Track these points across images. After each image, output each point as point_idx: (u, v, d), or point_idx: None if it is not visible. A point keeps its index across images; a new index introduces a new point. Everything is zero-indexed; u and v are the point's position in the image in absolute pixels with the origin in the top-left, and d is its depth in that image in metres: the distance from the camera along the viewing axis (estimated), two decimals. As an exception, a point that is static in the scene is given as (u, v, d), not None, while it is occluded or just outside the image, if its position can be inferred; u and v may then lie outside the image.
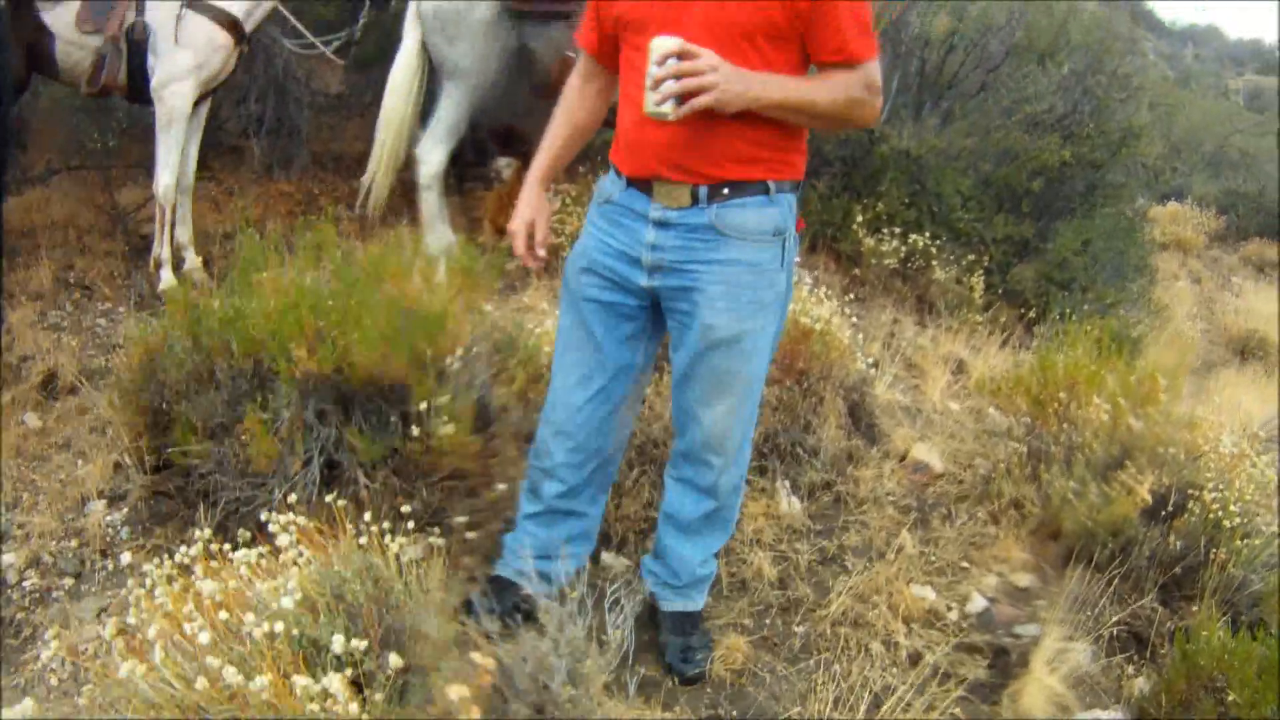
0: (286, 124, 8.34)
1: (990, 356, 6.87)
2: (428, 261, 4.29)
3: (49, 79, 6.53)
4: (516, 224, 3.23)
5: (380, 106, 6.51)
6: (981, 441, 5.41)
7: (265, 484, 3.77)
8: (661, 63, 2.63)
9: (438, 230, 6.42)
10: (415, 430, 3.74)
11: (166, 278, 6.24)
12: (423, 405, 3.75)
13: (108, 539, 4.15)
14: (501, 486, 3.89)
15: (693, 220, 2.94)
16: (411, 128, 6.47)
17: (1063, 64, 9.70)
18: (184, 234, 6.38)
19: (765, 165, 2.94)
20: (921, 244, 7.61)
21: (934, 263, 7.65)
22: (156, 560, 3.00)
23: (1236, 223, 18.28)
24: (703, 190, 2.91)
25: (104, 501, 4.32)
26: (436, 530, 3.72)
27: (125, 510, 4.25)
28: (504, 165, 7.05)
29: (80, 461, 4.62)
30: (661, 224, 2.98)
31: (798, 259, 7.18)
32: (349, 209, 7.35)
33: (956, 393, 6.14)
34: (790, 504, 4.49)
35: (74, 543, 4.16)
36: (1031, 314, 8.04)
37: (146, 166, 7.97)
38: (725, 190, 2.91)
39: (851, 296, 7.28)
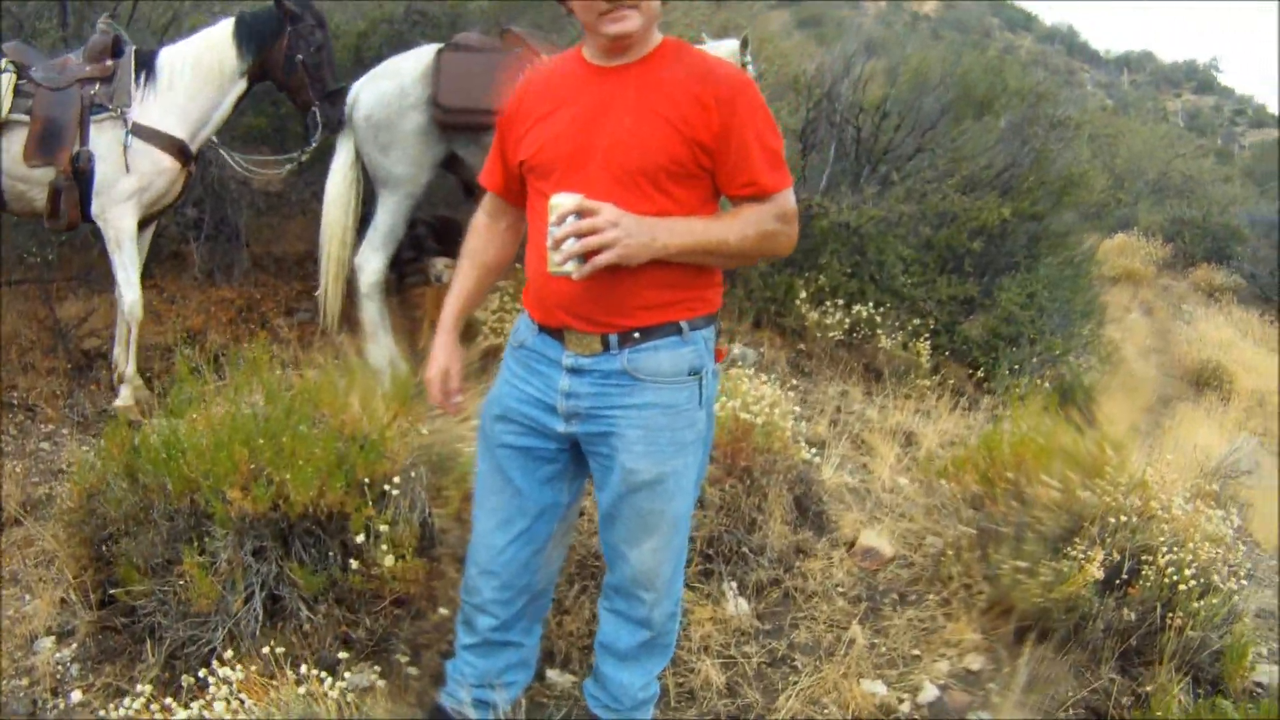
0: (226, 228, 8.33)
1: (941, 422, 6.89)
2: (364, 386, 4.28)
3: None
4: (432, 372, 3.22)
5: (320, 208, 6.56)
6: (933, 518, 5.41)
7: (208, 622, 3.76)
8: (560, 222, 2.61)
9: (380, 340, 6.43)
10: (355, 563, 3.76)
11: (124, 394, 6.28)
12: (361, 535, 3.76)
13: (58, 677, 4.09)
14: (444, 611, 3.91)
15: (605, 366, 2.91)
16: (353, 236, 6.53)
17: (1000, 115, 9.79)
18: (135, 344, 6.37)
19: (677, 307, 2.91)
20: (865, 313, 7.66)
21: (879, 331, 7.69)
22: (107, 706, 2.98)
23: (1184, 249, 18.51)
24: (613, 338, 2.88)
25: (52, 638, 4.25)
26: (378, 665, 3.75)
27: (74, 647, 4.19)
28: (442, 266, 7.05)
29: (28, 596, 4.56)
30: (575, 371, 2.95)
31: (741, 345, 7.26)
32: (289, 315, 7.34)
33: (907, 465, 6.15)
34: (737, 605, 4.48)
35: (24, 681, 4.10)
36: (980, 373, 8.08)
37: (87, 280, 8.00)
38: (636, 335, 2.88)
39: (798, 372, 7.32)
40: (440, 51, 6.33)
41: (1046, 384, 8.07)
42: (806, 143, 9.03)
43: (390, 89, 6.32)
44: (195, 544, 3.75)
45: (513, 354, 3.15)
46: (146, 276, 6.78)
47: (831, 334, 7.58)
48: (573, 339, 2.94)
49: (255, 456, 3.76)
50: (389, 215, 6.37)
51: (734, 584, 4.58)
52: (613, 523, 3.11)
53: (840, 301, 7.76)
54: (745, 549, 4.66)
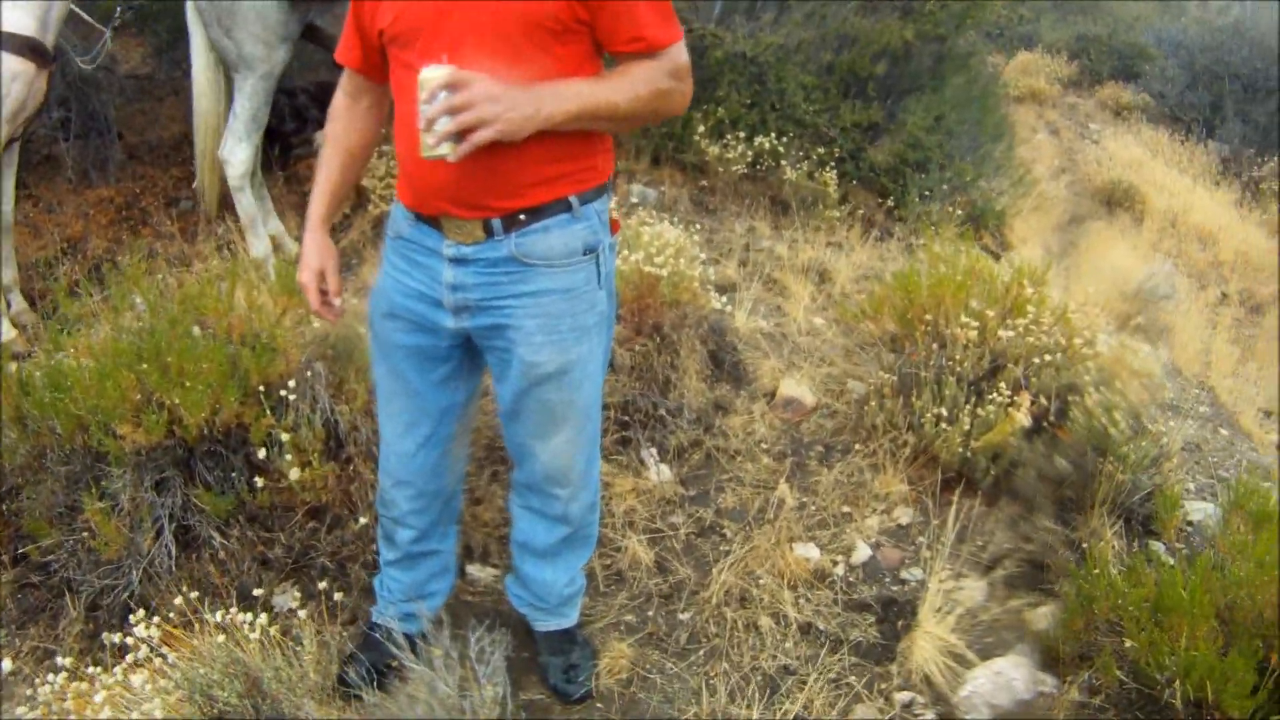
0: (95, 122, 7.93)
1: (854, 255, 6.77)
2: (247, 283, 4.08)
3: None
4: (305, 276, 2.92)
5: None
6: (852, 360, 5.31)
7: (121, 567, 3.60)
8: (431, 99, 2.32)
9: (259, 231, 6.08)
10: (260, 480, 3.59)
11: (4, 330, 5.93)
12: (263, 449, 3.60)
13: (-22, 648, 3.93)
14: (364, 520, 3.74)
15: (491, 254, 2.68)
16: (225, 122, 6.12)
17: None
18: (7, 275, 6.03)
19: (565, 181, 2.66)
20: (768, 145, 7.47)
21: (783, 162, 7.50)
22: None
23: (1090, 67, 18.23)
24: (496, 222, 2.64)
25: (-30, 606, 4.09)
26: (299, 586, 3.64)
27: (-10, 612, 4.03)
28: (319, 136, 6.72)
29: (-67, 558, 4.38)
30: (458, 261, 2.71)
31: (640, 185, 7.05)
32: (171, 206, 7.07)
33: (822, 305, 6.02)
34: (659, 473, 4.35)
35: (-51, 654, 3.95)
36: (890, 201, 7.94)
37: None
38: (522, 217, 2.64)
39: (702, 210, 7.16)
40: None
41: (958, 210, 7.93)
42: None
43: None
44: (93, 488, 3.56)
45: (392, 245, 2.89)
46: (19, 187, 6.33)
47: (734, 168, 7.35)
48: (452, 227, 2.68)
49: (142, 382, 3.55)
50: (248, 100, 5.90)
51: (653, 450, 4.44)
52: (517, 418, 2.92)
53: (741, 134, 7.49)
54: (662, 411, 4.51)
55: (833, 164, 7.66)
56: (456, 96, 2.31)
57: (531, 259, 2.68)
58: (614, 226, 2.89)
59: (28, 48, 5.58)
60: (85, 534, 3.63)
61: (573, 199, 2.69)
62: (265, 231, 6.13)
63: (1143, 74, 17.82)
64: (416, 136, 2.43)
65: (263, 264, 5.65)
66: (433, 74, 2.34)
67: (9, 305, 6.03)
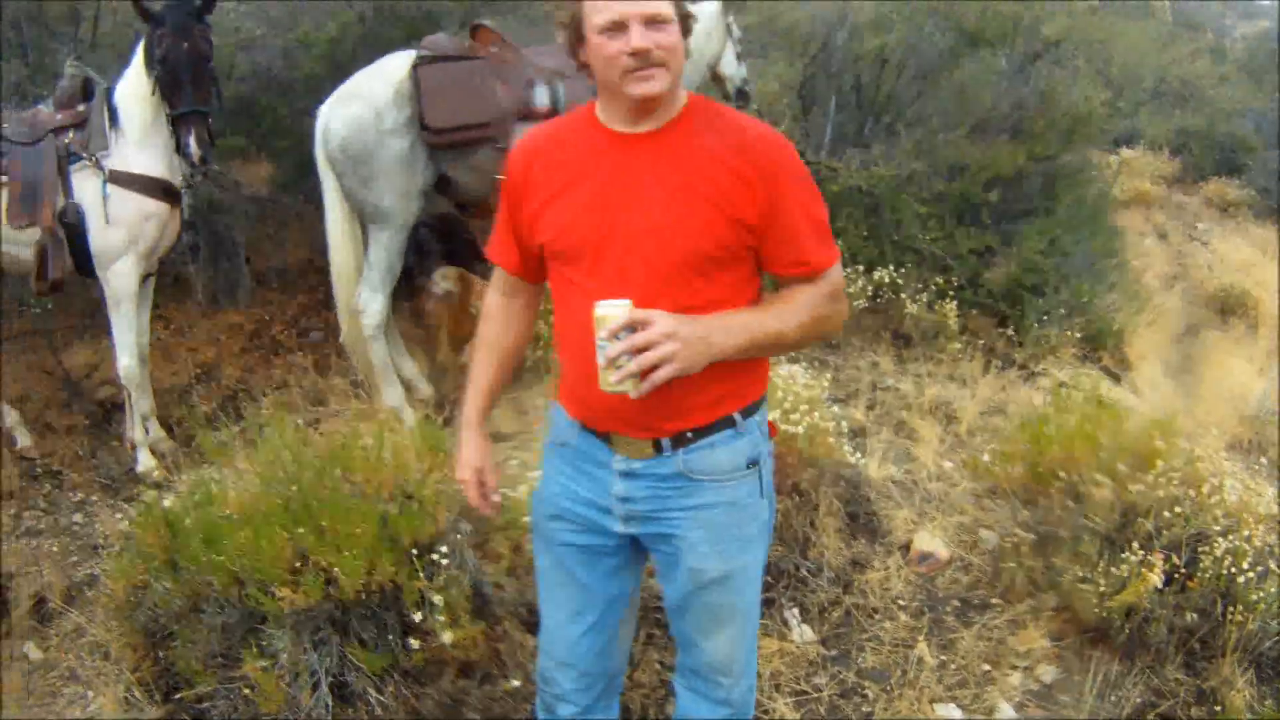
0: (224, 246, 8.12)
1: (977, 388, 6.76)
2: (394, 441, 4.16)
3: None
4: (466, 474, 3.01)
5: (314, 211, 6.28)
6: (983, 505, 5.30)
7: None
8: (611, 338, 2.40)
9: (391, 380, 6.15)
10: (415, 641, 3.69)
11: (143, 460, 6.10)
12: (417, 612, 3.67)
13: (129, 782, 3.99)
14: (516, 683, 3.81)
15: (659, 470, 2.72)
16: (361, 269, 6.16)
17: (997, 49, 9.55)
18: (145, 404, 6.20)
19: (729, 399, 2.70)
20: (888, 278, 7.51)
21: (902, 294, 7.53)
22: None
23: (1192, 162, 17.82)
24: (665, 441, 2.68)
25: (121, 737, 4.17)
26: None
27: (143, 747, 4.10)
28: (441, 279, 6.81)
29: (89, 694, 4.47)
30: (628, 474, 2.75)
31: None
32: (301, 335, 7.21)
33: (951, 446, 6.01)
34: (802, 633, 4.37)
35: (99, 790, 4.01)
36: (1010, 331, 7.90)
37: (91, 323, 7.85)
38: (689, 435, 2.68)
39: (825, 345, 7.17)
40: (417, 65, 5.81)
41: (1076, 332, 7.89)
42: (805, 98, 8.85)
43: (363, 114, 5.81)
44: (252, 643, 3.66)
45: (557, 451, 2.94)
46: (151, 307, 6.54)
47: (856, 302, 7.40)
48: (622, 443, 2.73)
49: (297, 540, 3.66)
50: (384, 251, 5.97)
51: (796, 611, 4.47)
52: (683, 615, 2.96)
53: (860, 267, 7.56)
54: (803, 571, 4.55)
55: (951, 293, 7.66)
56: (638, 337, 2.36)
57: (698, 474, 2.72)
58: (772, 430, 2.92)
59: (159, 189, 5.77)
60: (243, 684, 3.71)
61: (736, 415, 2.73)
62: (397, 379, 6.20)
63: (1244, 167, 17.40)
64: (585, 354, 2.48)
65: (396, 412, 5.78)
66: (611, 312, 2.38)
67: (147, 433, 6.18)
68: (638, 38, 2.43)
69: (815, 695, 4.12)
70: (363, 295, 5.99)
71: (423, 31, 7.71)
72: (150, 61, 5.68)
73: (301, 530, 3.64)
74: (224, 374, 7.16)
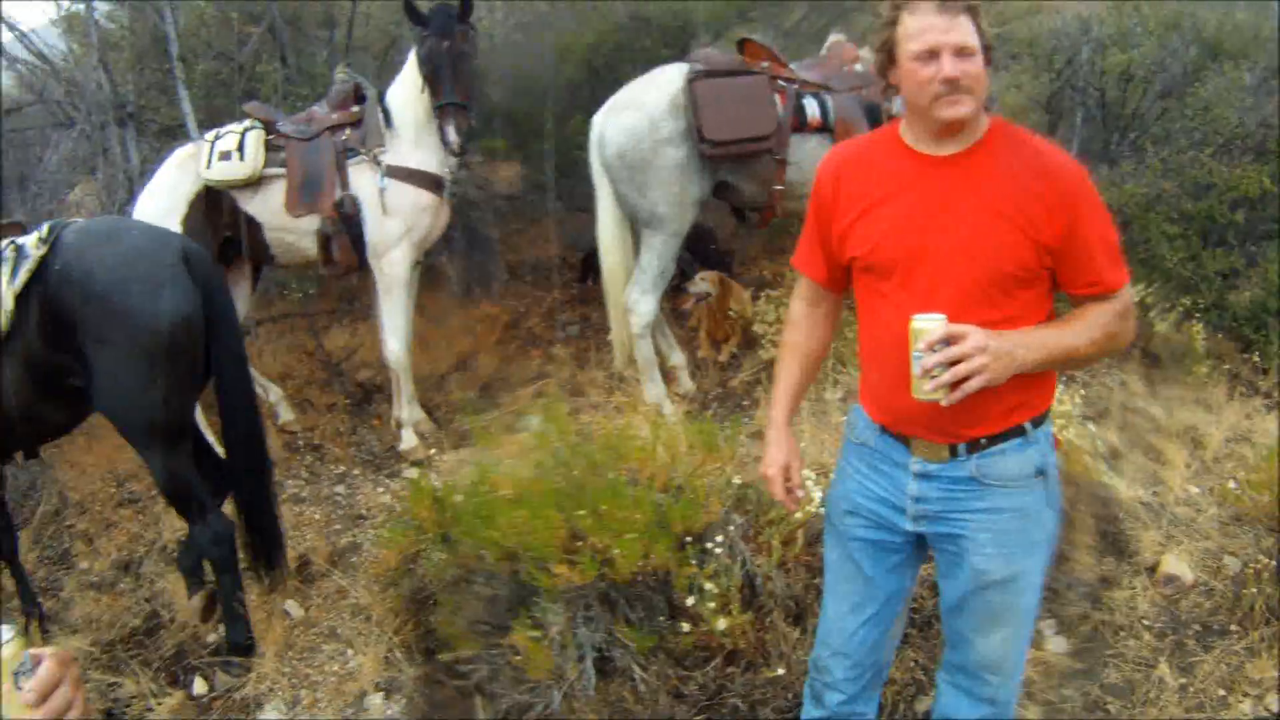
0: (477, 240, 8.39)
1: (1222, 414, 6.63)
2: (669, 434, 4.30)
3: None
4: (772, 470, 3.15)
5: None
6: (1227, 530, 5.23)
7: (539, 688, 3.84)
8: (928, 350, 2.50)
9: (655, 378, 6.30)
10: (685, 625, 3.80)
11: (407, 439, 6.39)
12: (690, 596, 3.79)
13: (389, 732, 4.18)
14: (780, 671, 3.88)
15: (954, 473, 2.85)
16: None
17: (1242, 67, 9.30)
18: (409, 388, 6.50)
19: (1022, 410, 2.82)
20: (1138, 296, 7.39)
21: (1151, 314, 7.41)
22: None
23: None
24: (961, 446, 2.82)
25: (381, 694, 4.38)
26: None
27: (402, 703, 4.30)
28: (699, 280, 6.95)
29: (350, 652, 4.70)
30: (923, 476, 2.89)
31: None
32: (556, 329, 7.40)
33: (1197, 470, 5.93)
34: (1054, 644, 4.40)
35: (359, 737, 4.20)
36: (1255, 357, 7.70)
37: (349, 309, 8.20)
38: (984, 441, 2.81)
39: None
40: (693, 80, 6.02)
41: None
42: (1052, 113, 8.77)
43: (639, 123, 6.03)
44: (523, 614, 3.82)
45: (855, 450, 3.08)
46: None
47: (1104, 319, 7.30)
48: (920, 446, 2.87)
49: (572, 524, 3.81)
50: (656, 257, 6.13)
51: (1052, 622, 4.49)
52: (960, 612, 3.05)
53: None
54: (1059, 585, 4.57)
55: (1198, 315, 7.51)
56: (953, 350, 2.48)
57: (989, 479, 2.83)
58: (1056, 443, 3.00)
59: (432, 182, 6.07)
60: (510, 651, 3.88)
61: (1027, 425, 2.83)
62: (660, 377, 6.34)
63: None
64: (893, 360, 2.63)
65: (658, 408, 5.94)
66: (928, 325, 2.51)
67: (411, 414, 6.47)
68: (949, 66, 2.57)
69: (1061, 706, 4.12)
70: (633, 296, 6.16)
71: (676, 40, 7.89)
72: (418, 60, 6.08)
73: (581, 513, 3.79)
74: (480, 363, 7.40)
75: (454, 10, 6.07)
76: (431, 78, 6.03)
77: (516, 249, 9.14)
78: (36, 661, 1.63)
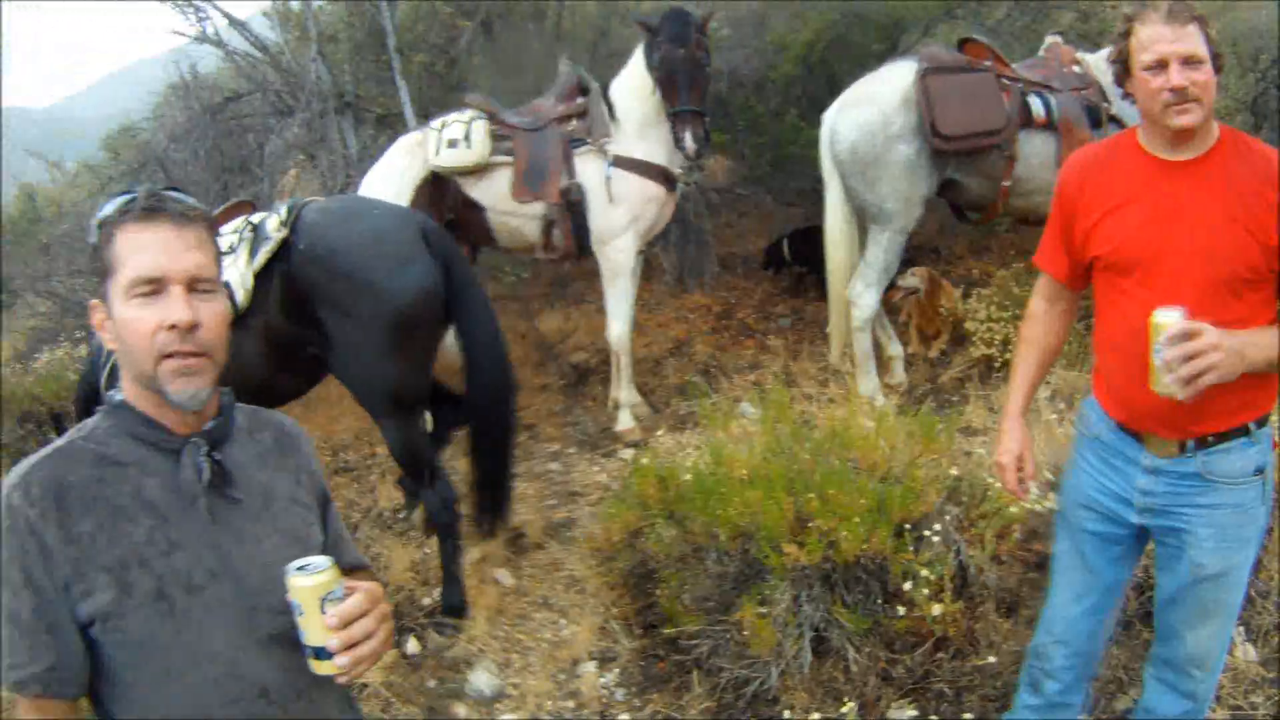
0: (691, 233, 8.53)
1: None
2: (889, 426, 4.37)
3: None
4: (1006, 458, 3.28)
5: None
6: None
7: (756, 663, 3.97)
8: (1169, 344, 2.60)
9: (869, 371, 6.37)
10: (901, 608, 3.88)
11: (624, 419, 6.58)
12: (906, 581, 3.87)
13: (603, 701, 4.36)
14: (992, 659, 3.96)
15: (1181, 468, 2.97)
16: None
17: None
18: (628, 370, 6.72)
19: (1247, 409, 2.92)
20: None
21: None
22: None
23: None
24: (1190, 442, 2.94)
25: (594, 663, 4.54)
26: (916, 703, 3.89)
27: (617, 672, 4.46)
28: (910, 276, 6.99)
29: (563, 621, 4.88)
30: (1153, 471, 3.01)
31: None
32: (768, 320, 7.50)
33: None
34: (1245, 651, 4.36)
35: (570, 704, 4.38)
36: None
37: (562, 294, 8.40)
38: (1210, 439, 2.92)
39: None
40: (924, 75, 6.05)
41: None
42: (1257, 114, 8.58)
43: (872, 118, 6.10)
44: (754, 591, 3.95)
45: (1089, 444, 3.20)
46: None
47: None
48: (1154, 442, 2.98)
49: (799, 507, 3.92)
50: (883, 252, 6.19)
51: (1242, 629, 4.45)
52: (1173, 606, 3.17)
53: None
54: (1253, 592, 4.53)
55: None
56: (1190, 345, 2.57)
57: (1213, 476, 2.94)
58: (1275, 444, 3.07)
59: (660, 174, 6.23)
60: (733, 628, 4.02)
61: (1251, 424, 2.94)
62: (875, 370, 6.40)
63: None
64: (1133, 357, 2.75)
65: (871, 400, 6.02)
66: (1168, 319, 2.60)
67: (627, 398, 6.66)
68: (1176, 76, 2.69)
69: (1250, 712, 4.10)
70: (857, 289, 6.24)
71: (887, 36, 7.93)
72: (650, 64, 6.25)
73: (810, 496, 3.91)
74: (695, 350, 7.56)
75: (690, 17, 6.23)
76: (666, 83, 6.19)
77: (727, 241, 9.28)
78: (349, 593, 1.87)
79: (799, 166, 7.56)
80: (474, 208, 6.54)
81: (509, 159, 6.43)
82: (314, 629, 1.88)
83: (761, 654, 3.92)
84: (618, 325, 6.50)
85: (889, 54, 7.95)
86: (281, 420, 2.24)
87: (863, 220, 6.33)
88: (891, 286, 6.97)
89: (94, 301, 2.01)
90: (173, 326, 1.89)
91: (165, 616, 1.93)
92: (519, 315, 7.99)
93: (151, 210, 1.94)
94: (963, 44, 6.43)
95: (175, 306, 1.89)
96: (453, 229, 6.60)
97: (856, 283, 6.24)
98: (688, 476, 4.40)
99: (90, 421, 2.06)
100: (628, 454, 6.25)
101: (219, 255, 2.03)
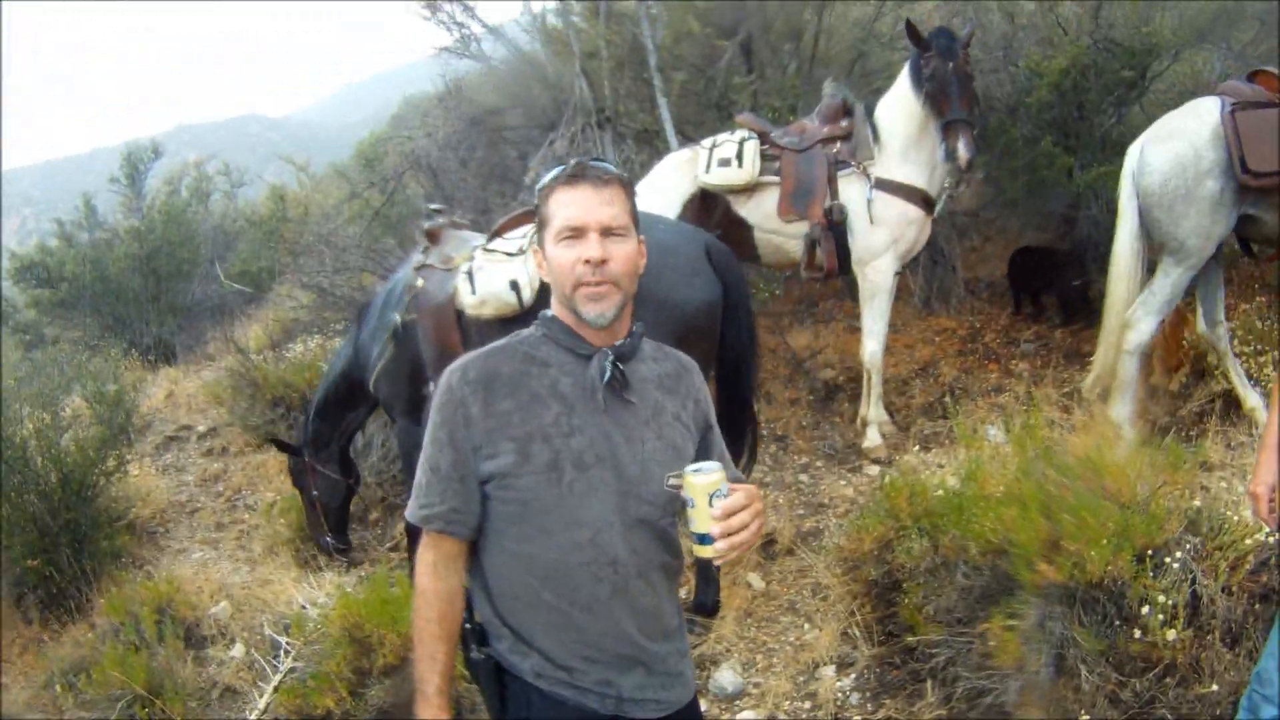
0: (938, 256, 8.71)
1: None
2: (1138, 454, 4.47)
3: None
4: (1261, 489, 3.38)
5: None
6: None
7: (1000, 676, 4.14)
8: None
9: (1127, 398, 6.35)
10: (1138, 632, 4.00)
11: (872, 436, 6.80)
12: (1143, 606, 4.01)
13: (838, 703, 4.58)
14: (1215, 688, 4.02)
15: None
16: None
17: None
18: (878, 385, 6.92)
19: None
20: None
21: None
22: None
23: None
24: None
25: (833, 667, 4.77)
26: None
27: (854, 677, 4.68)
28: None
29: (806, 626, 5.12)
30: None
31: None
32: (1012, 345, 7.60)
33: None
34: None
35: (806, 704, 4.63)
36: None
37: (811, 311, 8.61)
38: None
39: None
40: (1232, 111, 5.90)
41: None
42: None
43: (1185, 152, 5.96)
44: (1003, 604, 4.13)
45: None
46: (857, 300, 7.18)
47: None
48: None
49: (1054, 527, 4.08)
50: (1170, 284, 6.10)
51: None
52: None
53: None
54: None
55: None
56: None
57: None
58: None
59: (920, 198, 6.44)
60: (977, 640, 4.22)
61: None
62: (1131, 399, 6.37)
63: None
64: None
65: (1122, 426, 6.08)
66: None
67: (875, 415, 6.90)
68: None
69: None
70: (1137, 313, 6.19)
71: (1140, 63, 7.91)
72: (918, 81, 6.46)
73: (1065, 517, 4.07)
74: (940, 372, 7.75)
75: (955, 34, 6.48)
76: (937, 95, 6.37)
77: (970, 266, 9.38)
78: (732, 493, 2.33)
79: (1051, 192, 7.60)
80: (740, 224, 6.88)
81: (776, 179, 6.73)
82: (701, 519, 2.34)
83: (1003, 667, 4.09)
84: (872, 344, 6.72)
85: (1139, 81, 7.93)
86: (681, 356, 2.78)
87: (1152, 252, 6.30)
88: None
89: (534, 248, 2.59)
90: (587, 261, 2.43)
91: (554, 484, 2.46)
92: (770, 331, 8.20)
93: (575, 176, 2.50)
94: (1253, 75, 6.26)
95: (590, 247, 2.44)
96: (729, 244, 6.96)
97: (1138, 308, 6.20)
98: (940, 492, 4.63)
99: (524, 331, 2.63)
100: (873, 470, 6.49)
101: (633, 209, 2.55)
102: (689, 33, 9.92)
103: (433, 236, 5.90)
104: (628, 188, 2.56)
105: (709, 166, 6.82)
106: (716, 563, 2.44)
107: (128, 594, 6.00)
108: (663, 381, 2.65)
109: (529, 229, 5.22)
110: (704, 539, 2.34)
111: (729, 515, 2.32)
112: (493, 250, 5.36)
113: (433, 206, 6.42)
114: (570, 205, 2.47)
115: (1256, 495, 3.38)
